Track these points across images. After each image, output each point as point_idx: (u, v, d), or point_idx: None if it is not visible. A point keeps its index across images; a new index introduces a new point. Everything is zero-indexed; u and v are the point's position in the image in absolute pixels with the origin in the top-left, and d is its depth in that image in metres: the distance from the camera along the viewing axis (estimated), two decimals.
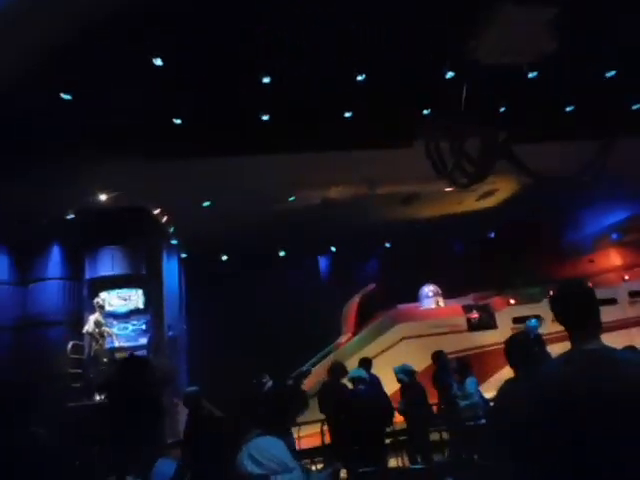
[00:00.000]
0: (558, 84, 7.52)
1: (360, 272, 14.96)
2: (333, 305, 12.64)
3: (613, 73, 7.54)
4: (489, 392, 6.79)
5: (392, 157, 9.16)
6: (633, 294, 12.15)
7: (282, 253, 13.76)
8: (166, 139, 7.68)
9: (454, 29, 5.99)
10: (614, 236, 15.30)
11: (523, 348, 2.93)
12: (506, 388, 2.86)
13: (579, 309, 2.00)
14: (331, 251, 14.55)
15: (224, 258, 13.17)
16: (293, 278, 13.73)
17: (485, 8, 5.62)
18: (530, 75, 7.16)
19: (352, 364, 7.28)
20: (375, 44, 6.19)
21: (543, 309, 11.32)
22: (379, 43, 6.18)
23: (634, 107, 8.78)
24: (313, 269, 14.98)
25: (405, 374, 6.84)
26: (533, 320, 9.02)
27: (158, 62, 6.12)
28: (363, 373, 6.28)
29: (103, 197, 9.03)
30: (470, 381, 6.77)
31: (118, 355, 9.07)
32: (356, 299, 12.19)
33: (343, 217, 11.99)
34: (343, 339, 11.50)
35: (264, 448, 1.99)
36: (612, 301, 11.65)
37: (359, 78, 6.81)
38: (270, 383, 5.88)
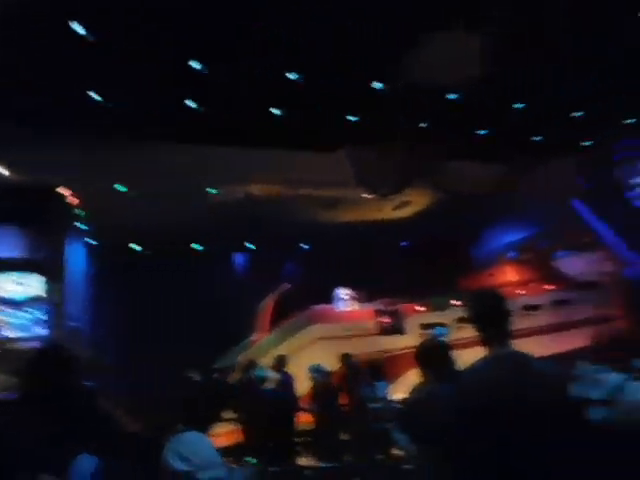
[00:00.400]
0: (477, 108, 8.08)
1: (277, 272, 15.00)
2: (248, 302, 12.56)
3: (522, 105, 8.23)
4: (396, 394, 7.13)
5: (319, 160, 9.33)
6: (527, 307, 13.34)
7: (200, 247, 13.43)
8: (84, 117, 7.24)
9: (390, 42, 6.24)
10: (512, 253, 16.71)
11: (433, 353, 3.11)
12: (426, 390, 3.02)
13: (496, 316, 2.21)
14: (250, 248, 14.43)
15: (138, 248, 12.61)
16: (209, 273, 13.46)
17: (421, 29, 5.93)
18: (452, 96, 7.64)
19: (266, 362, 7.31)
20: (312, 44, 6.28)
21: (448, 317, 12.13)
22: (316, 43, 6.27)
23: (536, 138, 9.66)
24: (230, 265, 14.77)
25: (319, 373, 6.98)
26: (441, 328, 9.62)
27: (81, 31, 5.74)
28: (269, 373, 6.36)
29: (6, 173, 8.30)
30: (381, 385, 6.96)
31: (10, 346, 8.38)
32: (272, 298, 12.22)
33: (265, 215, 12.00)
34: (257, 337, 11.47)
35: (190, 444, 1.97)
36: None
37: (293, 77, 6.87)
38: (197, 378, 5.78)
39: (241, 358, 9.38)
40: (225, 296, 12.77)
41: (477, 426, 2.01)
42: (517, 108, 8.29)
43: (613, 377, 2.73)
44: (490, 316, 2.23)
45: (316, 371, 6.98)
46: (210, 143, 8.30)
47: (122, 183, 9.29)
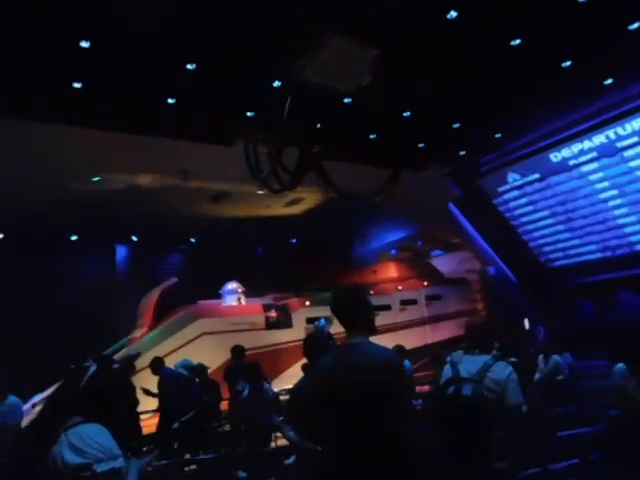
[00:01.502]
0: (367, 114, 8.48)
1: (162, 265, 14.40)
2: (129, 297, 11.90)
3: (408, 114, 8.81)
4: (283, 385, 7.27)
5: (210, 152, 9.12)
6: (403, 302, 14.35)
7: (74, 237, 12.42)
8: None
9: (289, 41, 6.31)
10: (393, 252, 17.84)
11: (317, 342, 3.31)
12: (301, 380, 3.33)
13: (350, 309, 2.44)
14: (132, 240, 13.65)
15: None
16: (85, 265, 12.53)
17: (319, 32, 6.08)
18: (345, 100, 7.93)
19: (151, 357, 7.04)
20: (210, 36, 6.14)
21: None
22: (214, 35, 6.14)
23: (419, 146, 10.39)
24: (109, 257, 13.85)
25: (185, 369, 6.89)
26: (322, 320, 9.95)
27: None
28: None
29: None
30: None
31: None
32: (156, 292, 11.71)
33: (149, 206, 11.45)
34: (138, 333, 10.93)
35: (87, 436, 1.86)
36: (388, 307, 13.62)
37: (189, 67, 6.65)
38: (94, 367, 5.29)
39: (119, 356, 8.88)
40: (106, 290, 12.01)
41: (324, 408, 2.24)
42: (404, 116, 8.83)
43: (480, 359, 3.18)
44: (343, 310, 2.45)
45: (182, 367, 6.91)
46: (93, 127, 7.70)
47: None
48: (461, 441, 2.91)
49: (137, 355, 7.02)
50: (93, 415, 1.97)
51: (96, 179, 9.26)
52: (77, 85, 6.71)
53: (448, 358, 3.44)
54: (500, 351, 4.84)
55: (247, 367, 6.67)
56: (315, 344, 3.32)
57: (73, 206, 10.18)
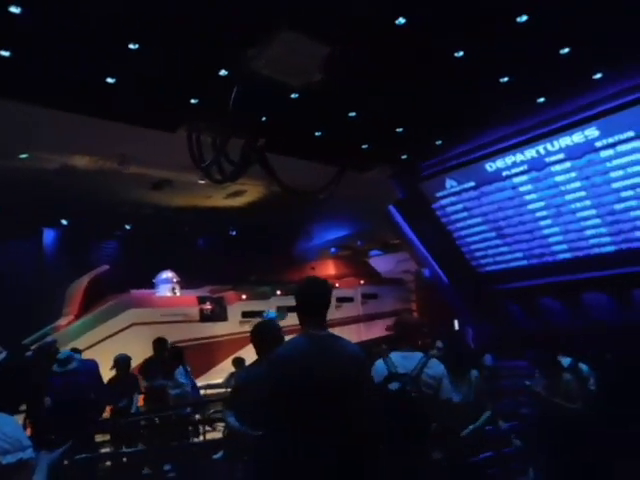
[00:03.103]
0: (314, 110, 8.52)
1: (94, 252, 13.79)
2: (56, 283, 11.32)
3: (354, 114, 8.93)
4: (215, 379, 7.19)
5: (152, 138, 8.83)
6: (340, 300, 14.56)
7: None
8: None
9: (240, 30, 6.22)
10: (332, 250, 18.05)
11: (271, 332, 3.31)
12: (248, 369, 3.29)
13: (317, 301, 2.47)
14: (62, 224, 12.97)
15: None
16: (8, 248, 11.76)
17: (270, 26, 6.03)
18: (293, 95, 7.92)
19: (75, 346, 6.74)
20: (156, 15, 5.93)
21: (269, 305, 12.59)
22: (161, 15, 5.93)
23: (363, 146, 10.57)
24: (35, 241, 13.07)
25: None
26: (271, 312, 10.00)
27: None
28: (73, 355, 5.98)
29: None
30: (179, 371, 6.69)
31: None
32: (85, 279, 11.21)
33: (83, 189, 10.91)
34: (64, 321, 10.42)
35: None
36: None
37: (132, 46, 6.39)
38: (3, 355, 4.94)
39: (42, 344, 8.43)
40: (30, 275, 11.33)
41: (279, 397, 2.25)
42: (350, 116, 8.95)
43: (414, 356, 3.33)
44: (315, 301, 2.49)
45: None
46: (23, 100, 7.25)
47: None
48: (404, 434, 3.02)
49: (53, 342, 6.65)
50: (0, 404, 1.87)
51: (24, 156, 8.70)
52: (5, 53, 6.27)
53: (379, 356, 3.55)
54: (441, 350, 5.05)
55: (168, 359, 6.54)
56: (269, 334, 3.30)
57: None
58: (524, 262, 13.06)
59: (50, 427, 5.40)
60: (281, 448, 2.24)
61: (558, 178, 11.27)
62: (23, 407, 5.24)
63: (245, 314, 11.97)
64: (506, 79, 8.12)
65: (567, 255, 12.18)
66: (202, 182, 10.49)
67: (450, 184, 12.87)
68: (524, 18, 6.41)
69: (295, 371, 2.26)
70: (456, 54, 7.19)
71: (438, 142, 11.01)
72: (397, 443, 2.91)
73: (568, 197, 11.40)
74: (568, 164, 10.94)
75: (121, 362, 6.75)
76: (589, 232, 11.56)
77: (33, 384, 5.28)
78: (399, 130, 9.86)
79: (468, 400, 3.80)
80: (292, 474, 2.20)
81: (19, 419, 4.34)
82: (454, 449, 3.39)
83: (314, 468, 2.15)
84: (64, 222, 12.91)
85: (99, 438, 6.03)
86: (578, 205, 11.37)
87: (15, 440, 1.78)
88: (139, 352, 7.75)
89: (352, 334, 13.95)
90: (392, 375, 3.23)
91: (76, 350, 6.85)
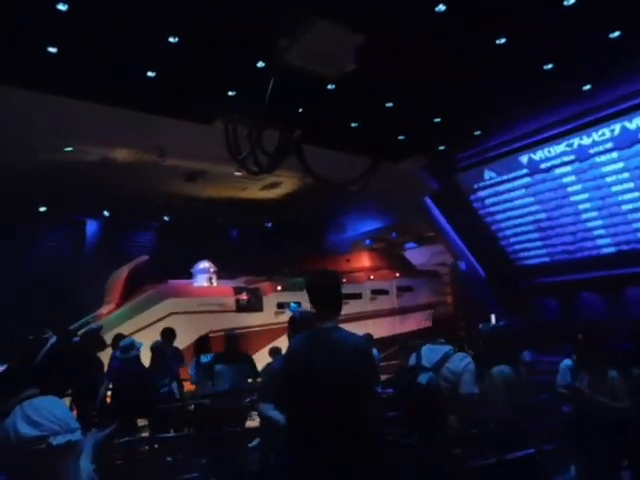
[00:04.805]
0: (350, 101, 8.44)
1: (133, 242, 14.14)
2: (98, 273, 11.67)
3: (391, 105, 8.81)
4: None
5: (189, 130, 8.96)
6: (374, 292, 14.49)
7: (43, 208, 12.07)
8: None
9: (273, 22, 6.21)
10: (367, 242, 17.97)
11: (305, 323, 3.31)
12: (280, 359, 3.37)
13: (329, 294, 2.47)
14: (104, 215, 13.35)
15: None
16: (54, 238, 12.20)
17: (304, 16, 5.99)
18: (329, 86, 7.87)
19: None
20: (195, 9, 5.99)
21: (304, 296, 12.65)
22: (199, 9, 5.98)
23: (400, 137, 10.42)
24: (79, 231, 13.51)
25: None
26: (293, 304, 10.08)
27: None
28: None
29: None
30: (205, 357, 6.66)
31: None
32: (125, 269, 11.51)
33: (123, 181, 11.18)
34: (105, 309, 10.75)
35: (44, 408, 1.82)
36: (359, 296, 13.75)
37: (172, 40, 6.48)
38: (53, 339, 5.16)
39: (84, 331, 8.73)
40: (74, 264, 11.73)
41: (295, 389, 2.30)
42: (386, 107, 8.83)
43: (441, 349, 3.32)
44: (323, 294, 2.49)
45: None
46: (67, 95, 7.46)
47: None
48: (415, 426, 3.02)
49: (99, 328, 6.85)
50: (50, 387, 1.94)
51: (68, 150, 8.97)
52: (52, 50, 6.46)
53: (414, 349, 3.54)
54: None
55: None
56: (302, 325, 3.34)
57: (43, 176, 9.88)
58: (565, 256, 12.67)
59: (107, 410, 5.65)
60: (285, 437, 2.33)
61: (604, 169, 10.84)
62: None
63: (280, 305, 12.06)
64: (550, 66, 7.83)
65: (611, 249, 11.74)
66: (238, 174, 10.58)
67: (489, 175, 12.57)
68: (571, 1, 6.15)
69: (299, 363, 2.33)
70: (498, 41, 6.97)
71: (477, 132, 10.76)
72: (408, 434, 2.93)
73: (614, 189, 10.96)
74: (615, 154, 10.50)
75: (157, 349, 6.87)
76: (636, 225, 11.08)
77: (82, 368, 5.50)
78: (436, 120, 9.67)
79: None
80: (292, 464, 2.26)
81: (66, 402, 4.49)
82: (473, 446, 3.34)
83: (310, 460, 2.18)
84: (106, 213, 13.29)
85: (140, 422, 6.20)
86: (625, 197, 10.91)
87: (64, 422, 1.84)
88: (177, 341, 7.93)
89: (387, 327, 13.86)
90: (413, 367, 3.27)
91: (121, 335, 7.06)
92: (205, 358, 6.47)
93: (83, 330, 7.79)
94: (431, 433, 3.01)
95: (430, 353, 3.33)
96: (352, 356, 2.28)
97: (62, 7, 5.68)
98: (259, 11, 6.01)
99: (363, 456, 2.18)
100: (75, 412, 5.38)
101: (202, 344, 6.91)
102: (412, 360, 3.44)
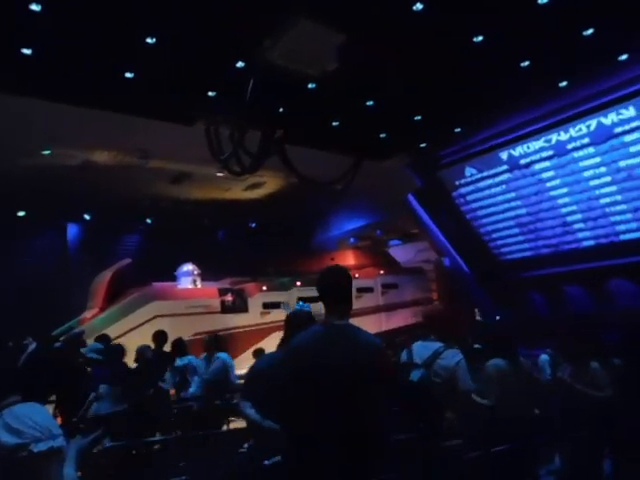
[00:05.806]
0: (331, 100, 8.46)
1: (117, 245, 14.00)
2: (81, 277, 11.53)
3: (372, 103, 8.85)
4: (237, 370, 7.21)
5: (170, 132, 8.89)
6: (359, 290, 14.53)
7: (22, 213, 11.88)
8: None
9: (255, 22, 6.19)
10: (351, 240, 18.01)
11: (302, 320, 3.28)
12: (263, 357, 3.32)
13: (335, 290, 2.43)
14: (85, 219, 13.19)
15: None
16: (34, 243, 12.01)
17: (286, 15, 5.99)
18: (310, 86, 7.88)
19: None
20: (173, 9, 5.94)
21: (289, 296, 12.66)
22: (177, 9, 5.94)
23: (381, 136, 10.47)
24: (60, 235, 13.32)
25: (96, 352, 6.73)
26: (303, 303, 10.11)
27: None
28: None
29: None
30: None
31: None
32: (108, 273, 11.38)
33: (104, 184, 11.06)
34: (89, 314, 10.62)
35: (24, 415, 1.79)
36: None
37: (149, 41, 6.42)
38: (33, 346, 5.06)
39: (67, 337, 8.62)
40: (56, 269, 11.55)
41: (304, 387, 2.21)
42: (368, 105, 8.87)
43: (432, 346, 3.35)
44: (335, 290, 2.41)
45: (91, 351, 6.72)
46: (44, 98, 7.35)
47: None
48: (410, 421, 3.04)
49: (81, 333, 6.77)
50: (31, 394, 1.92)
51: (46, 153, 8.85)
52: (26, 51, 6.35)
53: (403, 345, 3.57)
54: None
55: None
56: (300, 323, 3.30)
57: (23, 180, 9.72)
58: (546, 250, 12.85)
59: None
60: (289, 436, 2.25)
61: (582, 163, 11.02)
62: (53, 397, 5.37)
63: (266, 305, 12.05)
64: (527, 63, 7.93)
65: (590, 242, 11.94)
66: (221, 175, 10.55)
67: (470, 172, 12.70)
68: (545, 0, 6.24)
69: (306, 359, 2.24)
70: (475, 39, 7.05)
71: (457, 130, 10.86)
72: (404, 429, 2.95)
73: (592, 183, 11.15)
74: (592, 149, 10.69)
75: (90, 352, 6.72)
76: (614, 219, 11.30)
77: (64, 374, 5.41)
78: (417, 118, 9.74)
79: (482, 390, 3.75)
80: (297, 465, 2.19)
81: (50, 409, 4.44)
82: (471, 437, 3.37)
83: (315, 460, 2.13)
84: (87, 217, 13.13)
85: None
86: (602, 191, 11.11)
87: (45, 429, 1.82)
88: None
89: (372, 324, 13.92)
90: (405, 364, 3.29)
91: (106, 337, 6.96)
92: (181, 361, 6.41)
93: (65, 336, 7.69)
94: (427, 428, 3.04)
95: (422, 349, 3.37)
96: (366, 354, 2.24)
97: (35, 7, 5.59)
98: (240, 11, 5.99)
99: (372, 456, 2.15)
100: (59, 419, 5.31)
101: (177, 348, 6.80)
102: (403, 357, 3.46)
